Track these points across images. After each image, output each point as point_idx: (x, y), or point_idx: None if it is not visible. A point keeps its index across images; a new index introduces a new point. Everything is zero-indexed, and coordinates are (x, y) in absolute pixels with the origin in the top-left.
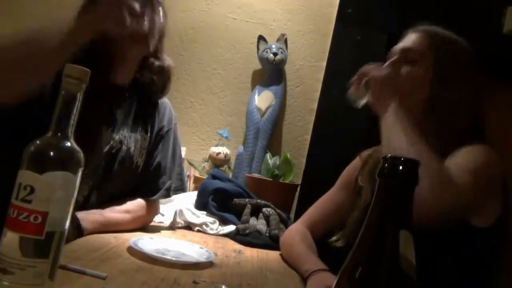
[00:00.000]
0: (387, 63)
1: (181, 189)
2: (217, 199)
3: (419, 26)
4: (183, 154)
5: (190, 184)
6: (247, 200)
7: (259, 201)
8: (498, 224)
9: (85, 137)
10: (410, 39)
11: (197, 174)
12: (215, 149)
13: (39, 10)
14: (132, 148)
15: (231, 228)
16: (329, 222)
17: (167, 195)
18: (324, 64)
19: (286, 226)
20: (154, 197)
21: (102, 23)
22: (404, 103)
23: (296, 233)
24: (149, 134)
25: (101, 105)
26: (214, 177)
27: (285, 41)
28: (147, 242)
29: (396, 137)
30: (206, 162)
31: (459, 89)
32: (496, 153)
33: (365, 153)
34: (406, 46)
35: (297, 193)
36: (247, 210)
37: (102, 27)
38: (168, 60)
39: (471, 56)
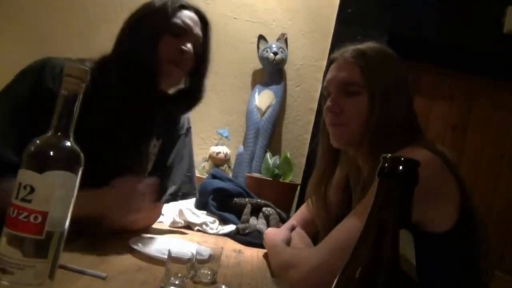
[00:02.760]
0: (329, 99)
1: (192, 194)
2: (217, 199)
3: (346, 49)
4: None
5: None
6: (247, 199)
7: (259, 200)
8: (460, 225)
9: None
10: (343, 69)
11: (197, 174)
12: (215, 149)
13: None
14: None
15: (231, 227)
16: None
17: (172, 199)
18: (324, 63)
19: None
20: (159, 202)
21: (104, 213)
22: (356, 130)
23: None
24: (160, 140)
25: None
26: (214, 176)
27: (285, 41)
28: (147, 242)
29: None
30: (206, 162)
31: (397, 104)
32: (433, 157)
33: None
34: (342, 79)
35: (297, 193)
36: (247, 210)
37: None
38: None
39: (402, 68)
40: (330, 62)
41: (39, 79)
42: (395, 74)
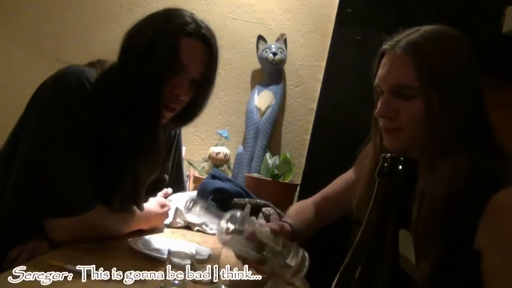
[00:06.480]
0: (380, 101)
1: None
2: (217, 199)
3: (398, 40)
4: (183, 154)
5: (190, 184)
6: (246, 199)
7: (258, 200)
8: None
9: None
10: (395, 68)
11: (196, 174)
12: (214, 149)
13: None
14: None
15: None
16: (338, 200)
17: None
18: (324, 64)
19: None
20: None
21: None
22: (414, 136)
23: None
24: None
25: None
26: (213, 177)
27: (285, 41)
28: (147, 242)
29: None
30: (205, 162)
31: (461, 105)
32: None
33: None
34: (395, 81)
35: (296, 193)
36: (247, 210)
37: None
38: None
39: (470, 55)
40: (381, 54)
41: (85, 101)
42: (458, 63)
